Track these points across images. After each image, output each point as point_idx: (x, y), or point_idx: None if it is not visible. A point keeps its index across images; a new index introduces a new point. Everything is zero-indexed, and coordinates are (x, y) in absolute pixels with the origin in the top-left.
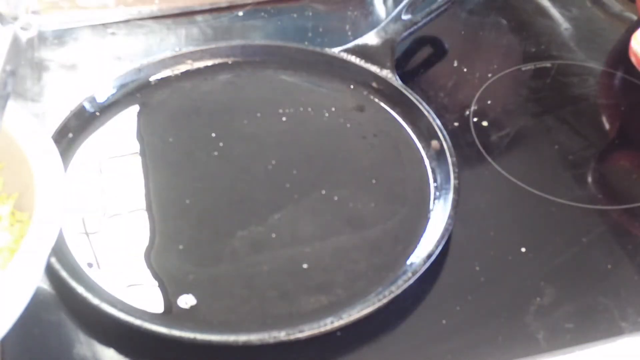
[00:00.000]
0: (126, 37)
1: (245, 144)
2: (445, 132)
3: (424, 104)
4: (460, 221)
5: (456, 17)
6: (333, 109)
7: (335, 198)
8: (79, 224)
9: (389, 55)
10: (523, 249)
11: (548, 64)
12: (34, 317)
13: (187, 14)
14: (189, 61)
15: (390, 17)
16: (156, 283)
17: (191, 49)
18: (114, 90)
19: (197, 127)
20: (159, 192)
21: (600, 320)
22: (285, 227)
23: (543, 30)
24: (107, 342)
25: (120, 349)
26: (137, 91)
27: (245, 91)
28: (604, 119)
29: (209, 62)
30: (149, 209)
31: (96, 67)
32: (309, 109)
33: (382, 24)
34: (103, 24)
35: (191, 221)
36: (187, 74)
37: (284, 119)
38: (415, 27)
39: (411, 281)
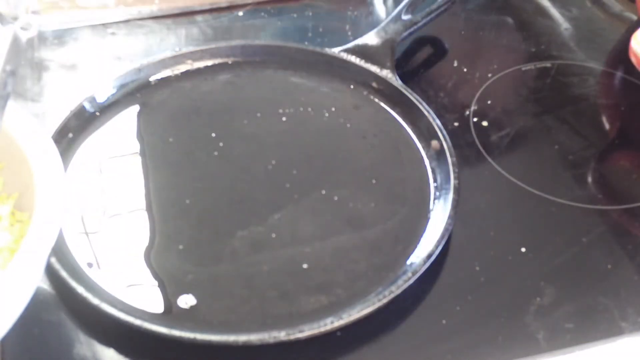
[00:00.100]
0: (126, 37)
1: (245, 144)
2: (445, 132)
3: (424, 104)
4: (460, 221)
5: (456, 17)
6: (333, 109)
7: (335, 198)
8: (79, 224)
9: (389, 55)
10: (523, 249)
11: (548, 64)
12: (34, 317)
13: (187, 14)
14: (189, 61)
15: (390, 17)
16: (156, 283)
17: (191, 49)
18: (114, 90)
19: (197, 127)
20: (159, 192)
21: (600, 320)
22: (285, 227)
23: (543, 30)
24: (107, 342)
25: (120, 349)
26: (137, 91)
27: (245, 91)
28: (604, 119)
29: (209, 62)
30: (149, 209)
31: (96, 67)
32: (309, 109)
33: (382, 24)
34: (103, 24)
35: (191, 221)
36: (187, 74)
37: (284, 119)
38: (415, 27)
39: (411, 281)
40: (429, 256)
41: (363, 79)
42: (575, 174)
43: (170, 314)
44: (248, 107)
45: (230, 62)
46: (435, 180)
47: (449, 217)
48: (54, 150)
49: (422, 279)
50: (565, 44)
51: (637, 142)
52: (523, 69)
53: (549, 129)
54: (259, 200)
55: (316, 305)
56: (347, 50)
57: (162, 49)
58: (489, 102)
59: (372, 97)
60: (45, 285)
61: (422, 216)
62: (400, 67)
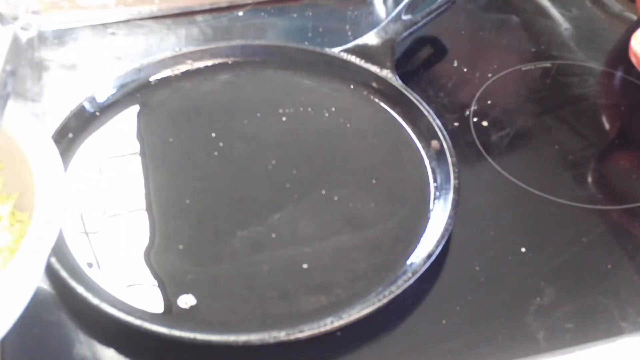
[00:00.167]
0: (126, 37)
1: (245, 144)
2: (445, 132)
3: (424, 104)
4: (460, 221)
5: (456, 17)
6: (333, 109)
7: (335, 198)
8: (79, 224)
9: (389, 55)
10: (523, 249)
11: (548, 64)
12: (34, 317)
13: (187, 14)
14: (189, 61)
15: (390, 17)
16: (156, 283)
17: (191, 49)
18: (114, 90)
19: (197, 127)
20: (159, 192)
21: (600, 320)
22: (285, 227)
23: (543, 30)
24: (107, 342)
25: (120, 349)
26: (137, 91)
27: (245, 91)
28: (604, 119)
29: (209, 62)
30: (149, 209)
31: (96, 67)
32: (309, 109)
33: (382, 24)
34: (103, 24)
35: (191, 221)
36: (187, 74)
37: (284, 119)
38: (415, 27)
39: (411, 281)
40: (429, 256)
41: (363, 79)
42: (575, 174)
43: (170, 314)
44: (248, 107)
45: (230, 62)
46: (435, 180)
47: (449, 217)
48: (54, 150)
49: (422, 279)
50: (565, 44)
51: (637, 142)
52: (523, 69)
53: (549, 129)
54: (259, 200)
55: (316, 305)
56: (347, 50)
57: (162, 49)
58: (489, 102)
59: (372, 97)
60: (45, 285)
61: (422, 216)
62: (400, 67)
